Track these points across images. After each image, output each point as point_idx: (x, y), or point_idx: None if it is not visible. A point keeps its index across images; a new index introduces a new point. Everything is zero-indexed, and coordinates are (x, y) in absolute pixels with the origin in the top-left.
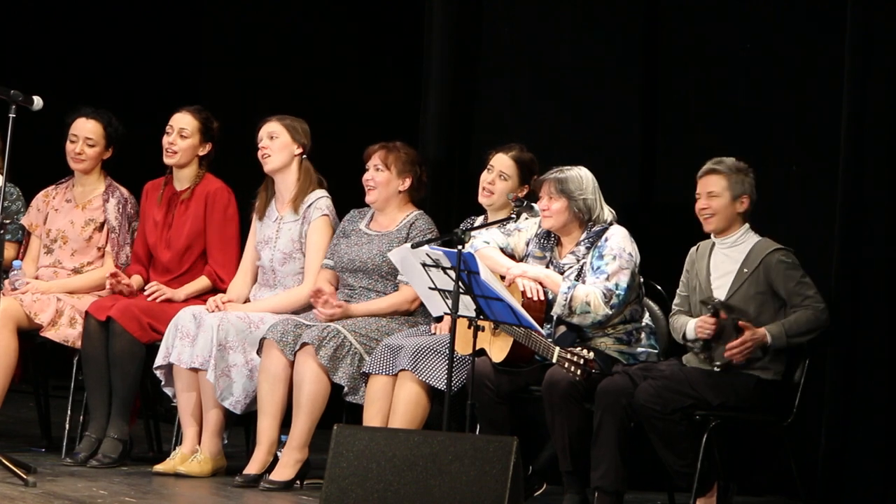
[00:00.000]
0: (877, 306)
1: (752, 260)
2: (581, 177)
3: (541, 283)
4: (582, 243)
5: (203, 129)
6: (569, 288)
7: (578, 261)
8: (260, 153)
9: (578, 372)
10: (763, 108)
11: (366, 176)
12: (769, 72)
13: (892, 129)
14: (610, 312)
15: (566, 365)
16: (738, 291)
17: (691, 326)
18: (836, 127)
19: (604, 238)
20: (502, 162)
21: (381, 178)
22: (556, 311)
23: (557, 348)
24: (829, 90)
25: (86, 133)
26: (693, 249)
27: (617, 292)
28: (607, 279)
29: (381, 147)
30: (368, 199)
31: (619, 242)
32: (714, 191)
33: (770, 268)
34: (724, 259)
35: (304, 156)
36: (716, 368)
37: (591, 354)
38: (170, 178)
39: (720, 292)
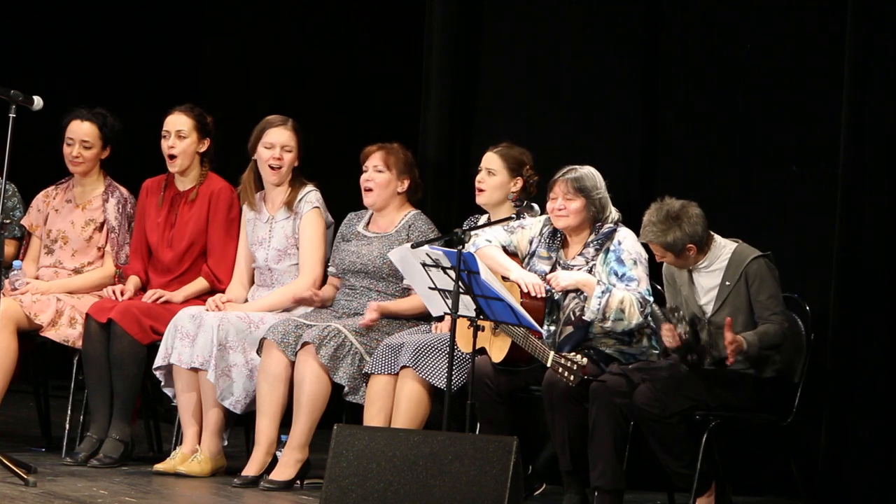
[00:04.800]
0: (877, 306)
1: (732, 271)
2: (594, 174)
3: (579, 289)
4: (591, 244)
5: (199, 127)
6: (603, 292)
7: (587, 262)
8: (268, 160)
9: (571, 378)
10: (763, 108)
11: (364, 177)
12: (769, 72)
13: (892, 129)
14: (642, 321)
15: (560, 370)
16: (724, 305)
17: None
18: (836, 127)
19: (616, 241)
20: (488, 159)
21: (382, 179)
22: (589, 316)
23: (552, 353)
24: (829, 90)
25: (81, 136)
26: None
27: (649, 299)
28: (638, 285)
29: (379, 148)
30: (367, 200)
31: (634, 245)
32: (657, 253)
33: (749, 275)
34: (705, 276)
35: (296, 166)
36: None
37: (585, 361)
38: (171, 177)
39: (708, 308)
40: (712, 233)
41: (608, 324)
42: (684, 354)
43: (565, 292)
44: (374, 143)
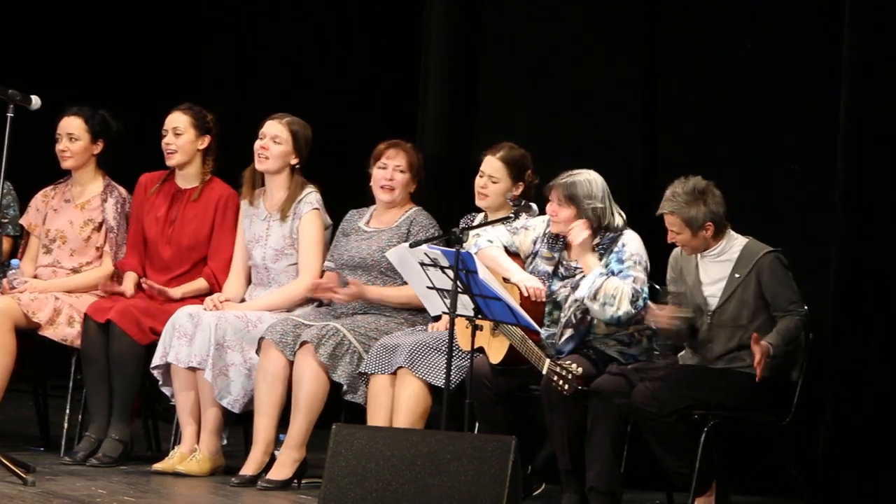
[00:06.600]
0: (877, 306)
1: (743, 264)
2: (591, 182)
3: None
4: (595, 250)
5: (196, 124)
6: (601, 275)
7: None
8: (257, 150)
9: (566, 387)
10: (763, 107)
11: (384, 174)
12: (769, 72)
13: (891, 129)
14: (632, 311)
15: (555, 378)
16: (731, 297)
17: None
18: (835, 127)
19: (620, 243)
20: (490, 165)
21: (404, 179)
22: (581, 293)
23: (548, 360)
24: (829, 90)
25: (68, 129)
26: (677, 250)
27: (643, 296)
28: (634, 282)
29: (402, 148)
30: (385, 198)
31: (637, 248)
32: (674, 229)
33: (762, 270)
34: (714, 265)
35: (298, 166)
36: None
37: (581, 371)
38: (171, 174)
39: (713, 300)
40: (728, 222)
41: (596, 306)
42: (667, 342)
43: (566, 295)
44: (384, 141)
